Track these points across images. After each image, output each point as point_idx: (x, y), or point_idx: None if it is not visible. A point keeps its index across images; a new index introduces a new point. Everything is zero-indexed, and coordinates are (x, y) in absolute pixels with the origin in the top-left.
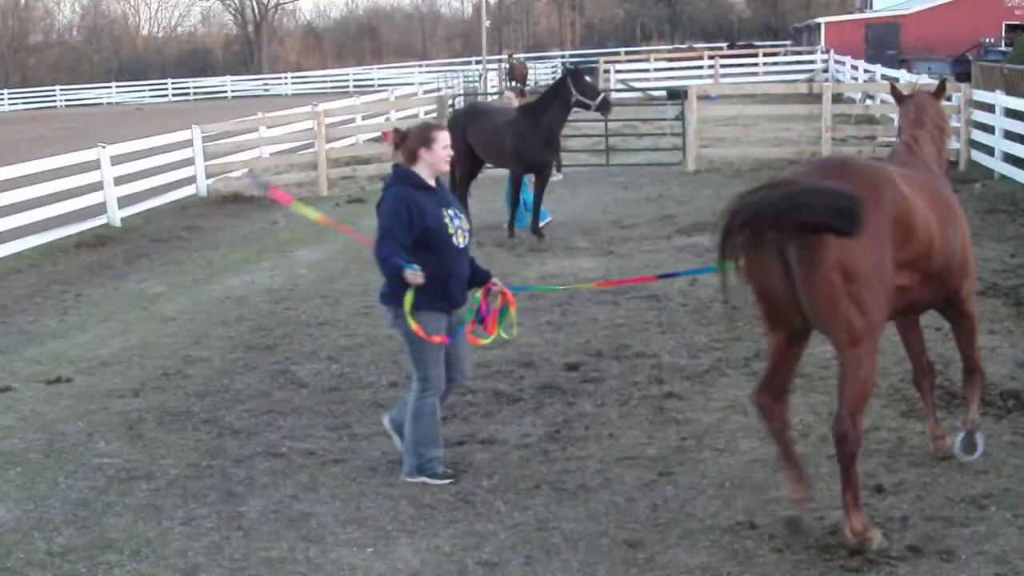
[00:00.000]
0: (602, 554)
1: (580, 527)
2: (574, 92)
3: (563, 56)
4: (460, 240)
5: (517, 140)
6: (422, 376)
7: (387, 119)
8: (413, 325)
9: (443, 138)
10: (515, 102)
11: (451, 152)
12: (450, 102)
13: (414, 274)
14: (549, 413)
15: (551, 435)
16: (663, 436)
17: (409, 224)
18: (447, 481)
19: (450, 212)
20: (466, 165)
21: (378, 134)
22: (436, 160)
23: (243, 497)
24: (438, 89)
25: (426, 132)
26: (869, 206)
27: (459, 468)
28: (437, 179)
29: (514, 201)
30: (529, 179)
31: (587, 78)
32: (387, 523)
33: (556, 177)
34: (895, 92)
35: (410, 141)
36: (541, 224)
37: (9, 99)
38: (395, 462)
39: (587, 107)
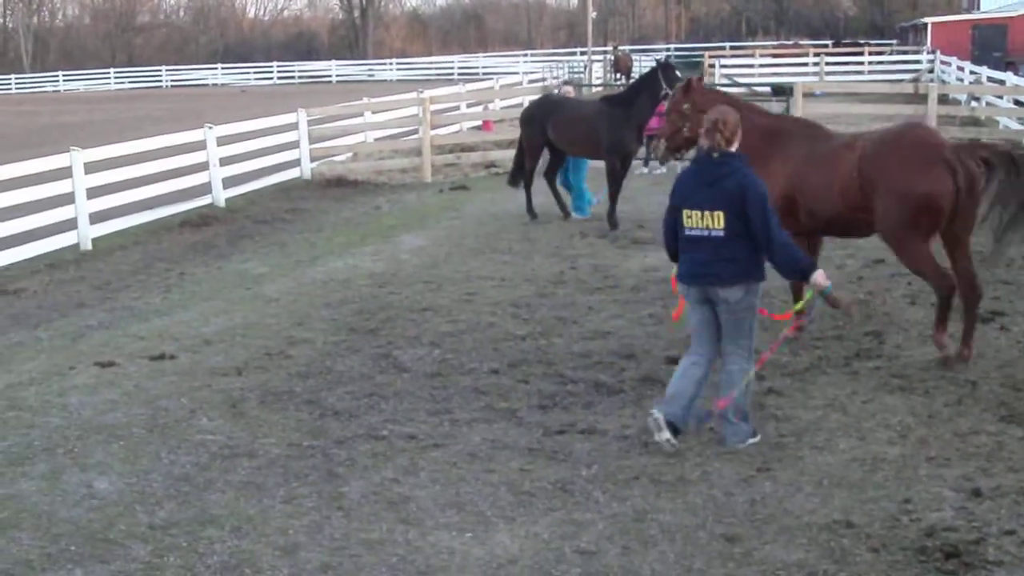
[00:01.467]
0: (699, 547)
1: (678, 519)
2: (664, 84)
3: (667, 49)
4: None
5: (613, 130)
6: (750, 347)
7: (485, 108)
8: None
9: None
10: (572, 95)
11: None
12: (555, 91)
13: (825, 279)
14: (649, 405)
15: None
16: (762, 432)
17: None
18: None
19: None
20: (539, 156)
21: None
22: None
23: (344, 478)
24: (543, 79)
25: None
26: None
27: (559, 457)
28: None
29: (613, 194)
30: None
31: (677, 72)
32: (486, 508)
33: (660, 170)
34: (700, 83)
35: (734, 126)
36: (594, 206)
37: (116, 78)
38: (496, 447)
39: None
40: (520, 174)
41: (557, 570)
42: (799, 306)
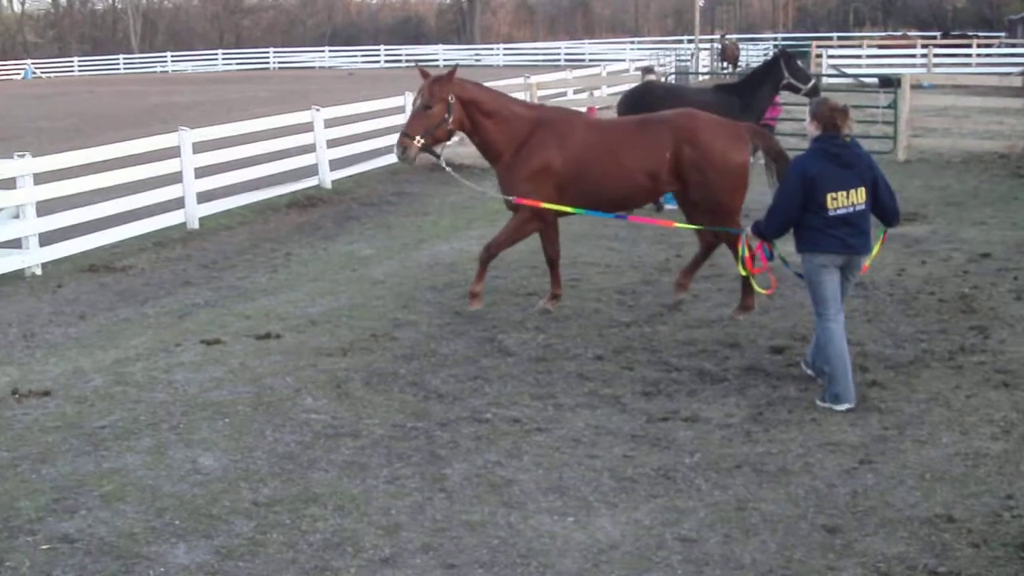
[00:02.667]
0: (800, 537)
1: (779, 509)
2: (786, 74)
3: (775, 39)
4: None
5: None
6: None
7: (590, 94)
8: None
9: None
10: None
11: None
12: (662, 80)
13: None
14: (753, 395)
15: (754, 416)
16: (865, 424)
17: None
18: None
19: None
20: None
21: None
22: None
23: (447, 460)
24: (660, 65)
25: None
26: None
27: (662, 444)
28: None
29: None
30: None
31: (799, 62)
32: (588, 494)
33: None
34: (423, 72)
35: None
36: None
37: (224, 59)
38: (599, 433)
39: (797, 91)
40: None
41: (658, 556)
42: (875, 253)
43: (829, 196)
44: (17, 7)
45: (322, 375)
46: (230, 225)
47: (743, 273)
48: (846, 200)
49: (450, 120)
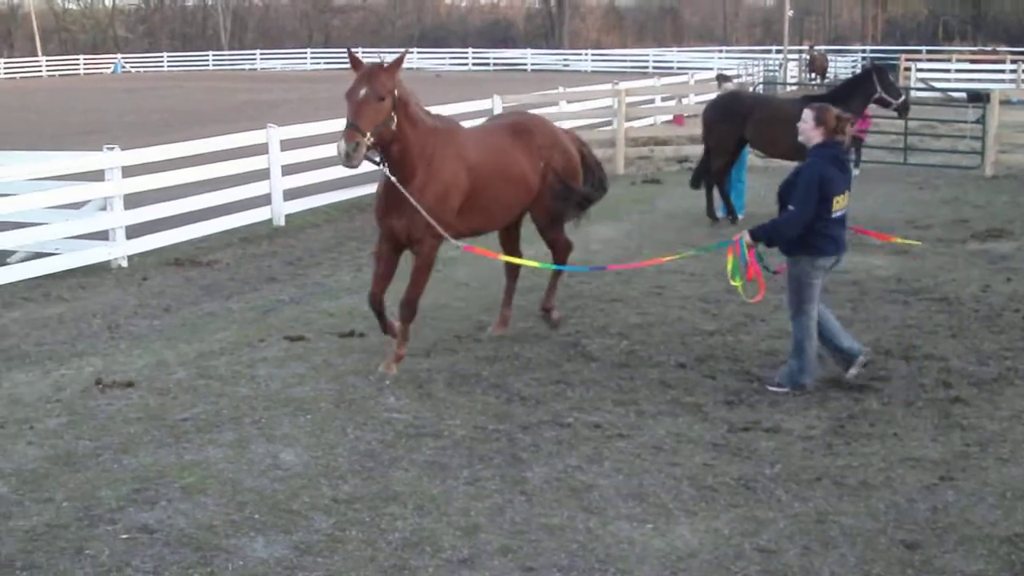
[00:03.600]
0: (879, 552)
1: (859, 523)
2: (878, 88)
3: (863, 51)
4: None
5: None
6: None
7: (678, 102)
8: None
9: None
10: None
11: None
12: (751, 90)
13: None
14: (835, 407)
15: (835, 429)
16: (947, 440)
17: None
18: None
19: None
20: (731, 155)
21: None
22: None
23: (528, 463)
24: (738, 76)
25: None
26: None
27: (743, 454)
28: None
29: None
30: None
31: (891, 76)
32: (668, 501)
33: (854, 172)
34: (356, 60)
35: None
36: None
37: (312, 58)
38: (680, 441)
39: (887, 105)
40: (705, 175)
41: (736, 566)
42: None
43: (836, 199)
44: (108, 2)
45: (404, 374)
46: (316, 223)
47: (735, 283)
48: (843, 202)
49: (395, 123)
